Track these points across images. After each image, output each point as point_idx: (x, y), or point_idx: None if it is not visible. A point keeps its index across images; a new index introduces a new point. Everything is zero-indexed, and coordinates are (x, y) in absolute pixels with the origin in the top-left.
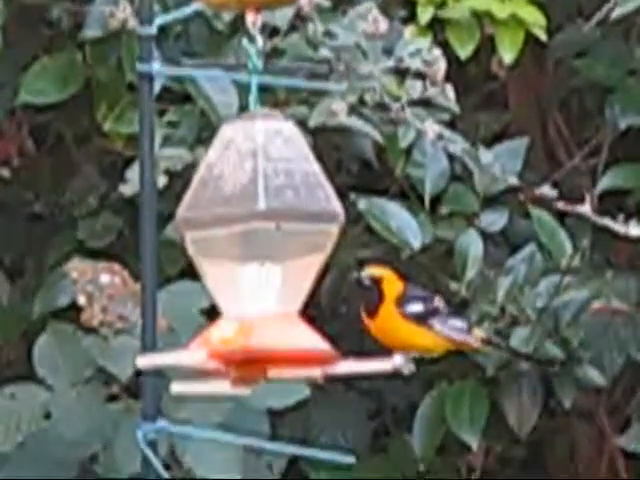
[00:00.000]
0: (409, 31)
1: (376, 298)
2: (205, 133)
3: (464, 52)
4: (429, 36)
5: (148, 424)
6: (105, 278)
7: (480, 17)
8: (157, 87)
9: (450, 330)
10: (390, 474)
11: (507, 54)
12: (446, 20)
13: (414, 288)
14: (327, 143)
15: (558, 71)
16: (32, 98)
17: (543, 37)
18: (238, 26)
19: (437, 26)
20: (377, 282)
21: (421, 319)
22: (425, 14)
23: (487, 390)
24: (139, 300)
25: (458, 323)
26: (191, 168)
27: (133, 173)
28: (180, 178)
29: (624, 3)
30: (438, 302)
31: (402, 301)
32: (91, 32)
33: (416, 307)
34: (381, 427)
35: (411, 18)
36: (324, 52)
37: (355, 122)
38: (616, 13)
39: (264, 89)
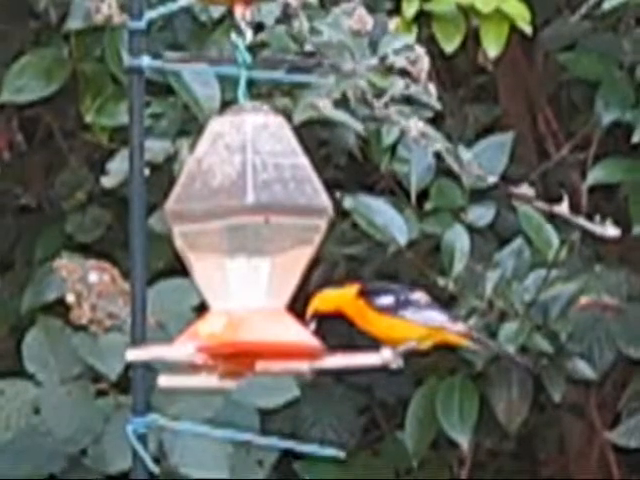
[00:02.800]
0: (394, 24)
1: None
2: (188, 125)
3: (450, 46)
4: (414, 30)
5: (138, 419)
6: (94, 276)
7: (466, 10)
8: None
9: (425, 319)
10: (381, 469)
11: (492, 48)
12: (432, 14)
13: (379, 283)
14: (311, 137)
15: (547, 64)
16: (14, 97)
17: (528, 31)
18: (222, 19)
19: (423, 20)
20: (315, 316)
21: (393, 310)
22: (411, 8)
23: (476, 385)
24: (128, 298)
25: (437, 315)
26: (173, 160)
27: (114, 165)
28: (161, 170)
29: None
30: (414, 295)
31: (370, 295)
32: (74, 24)
33: (387, 299)
34: (371, 422)
35: (397, 11)
36: (309, 48)
37: (339, 114)
38: (606, 6)
39: (248, 81)
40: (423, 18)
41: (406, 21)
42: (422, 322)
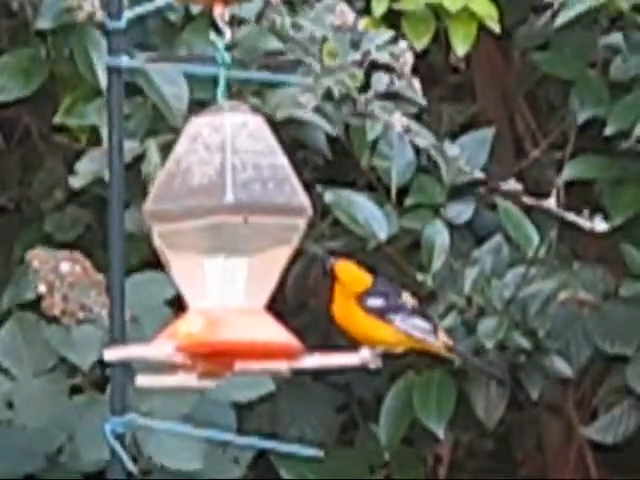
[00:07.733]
0: (364, 23)
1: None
2: (156, 125)
3: (419, 44)
4: (384, 28)
5: (116, 418)
6: (65, 266)
7: (437, 9)
8: (105, 80)
9: (411, 328)
10: (357, 465)
11: (460, 47)
12: (401, 12)
13: (381, 283)
14: (290, 136)
15: (524, 63)
16: None
17: (497, 29)
18: (192, 18)
19: (394, 18)
20: (332, 269)
21: (381, 314)
22: (380, 6)
23: (455, 381)
24: (102, 289)
25: (422, 323)
26: (141, 160)
27: (83, 165)
28: (130, 170)
29: (568, 9)
30: (405, 299)
31: (364, 294)
32: (44, 24)
33: (377, 301)
34: (349, 420)
35: (367, 10)
36: (287, 47)
37: (310, 116)
38: (559, 21)
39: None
40: (393, 18)
41: (375, 20)
42: (406, 330)
